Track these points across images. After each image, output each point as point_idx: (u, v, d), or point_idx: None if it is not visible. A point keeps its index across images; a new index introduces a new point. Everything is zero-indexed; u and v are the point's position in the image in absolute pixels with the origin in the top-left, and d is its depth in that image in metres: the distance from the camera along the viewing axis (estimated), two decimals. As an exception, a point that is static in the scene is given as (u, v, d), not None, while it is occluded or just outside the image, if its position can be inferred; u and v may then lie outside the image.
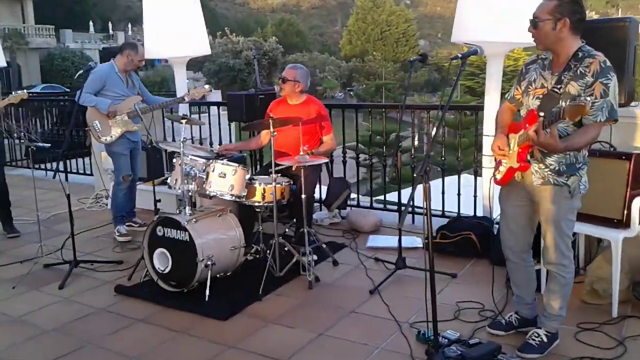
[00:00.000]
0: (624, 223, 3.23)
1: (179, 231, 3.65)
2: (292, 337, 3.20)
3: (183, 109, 5.79)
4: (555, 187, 2.73)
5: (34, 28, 35.03)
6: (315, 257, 4.14)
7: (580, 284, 3.48)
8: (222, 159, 4.14)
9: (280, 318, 3.42)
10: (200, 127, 6.09)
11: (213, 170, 3.79)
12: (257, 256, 4.06)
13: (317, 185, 5.42)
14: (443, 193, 4.98)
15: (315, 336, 3.19)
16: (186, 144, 4.21)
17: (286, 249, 3.95)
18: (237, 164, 3.86)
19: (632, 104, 3.89)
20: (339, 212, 5.28)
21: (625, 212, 3.21)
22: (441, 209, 4.96)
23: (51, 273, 4.17)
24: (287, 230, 4.66)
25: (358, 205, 5.45)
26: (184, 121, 3.84)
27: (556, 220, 2.76)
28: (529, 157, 2.76)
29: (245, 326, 3.32)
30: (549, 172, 2.72)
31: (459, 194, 4.86)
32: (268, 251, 3.92)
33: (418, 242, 4.57)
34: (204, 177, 3.79)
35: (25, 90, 4.84)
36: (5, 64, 7.11)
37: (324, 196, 5.18)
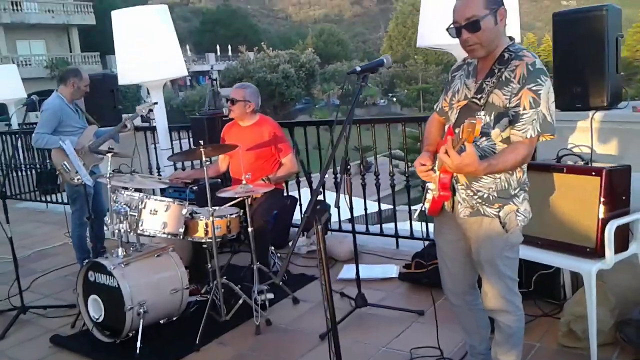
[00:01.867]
0: (597, 252, 2.69)
1: (107, 276, 3.35)
2: (212, 398, 2.82)
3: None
4: (485, 220, 2.24)
5: (80, 56, 36.12)
6: (270, 296, 3.77)
7: (557, 323, 2.96)
8: (167, 192, 3.83)
9: (208, 374, 3.05)
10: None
11: (144, 207, 3.47)
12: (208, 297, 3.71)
13: (297, 209, 5.07)
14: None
15: (238, 397, 2.81)
16: (134, 176, 3.95)
17: (233, 290, 3.58)
18: (170, 199, 3.53)
19: (621, 104, 3.33)
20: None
21: (599, 238, 2.68)
22: (421, 230, 4.47)
23: (3, 320, 3.94)
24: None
25: (339, 230, 5.02)
26: (109, 155, 3.54)
27: (490, 259, 2.27)
28: (454, 183, 2.29)
29: (167, 384, 2.97)
30: (478, 201, 2.25)
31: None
32: (211, 294, 3.56)
33: (393, 271, 4.12)
34: (136, 214, 3.47)
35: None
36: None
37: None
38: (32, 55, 34.21)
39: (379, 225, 4.92)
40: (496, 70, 2.18)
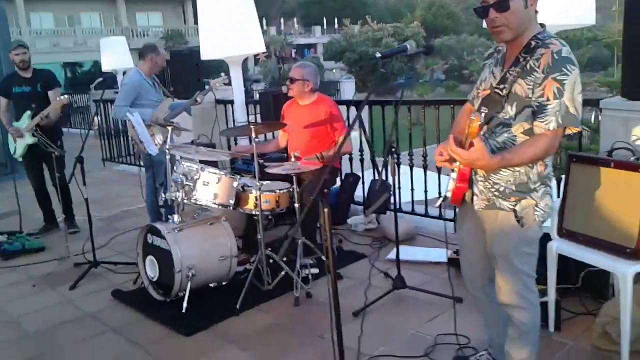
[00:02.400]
0: (637, 254, 2.52)
1: (161, 240, 3.60)
2: (237, 362, 2.99)
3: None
4: (500, 213, 2.18)
5: (194, 28, 37.76)
6: (315, 271, 3.87)
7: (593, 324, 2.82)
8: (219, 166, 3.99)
9: (241, 338, 3.22)
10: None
11: (199, 178, 3.67)
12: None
13: (360, 187, 5.10)
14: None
15: (262, 363, 2.96)
16: (199, 148, 4.18)
17: (271, 261, 3.71)
18: (223, 172, 3.69)
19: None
20: (377, 217, 4.89)
21: (639, 239, 2.50)
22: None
23: (77, 272, 4.34)
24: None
25: (400, 210, 4.99)
26: (169, 128, 3.76)
27: (504, 254, 2.21)
28: (472, 175, 2.23)
29: (202, 345, 3.18)
30: (495, 194, 2.18)
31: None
32: (255, 263, 3.71)
33: (443, 256, 4.06)
34: (192, 185, 3.68)
35: (66, 95, 5.06)
36: None
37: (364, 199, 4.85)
38: (149, 27, 36.31)
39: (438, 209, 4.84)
40: (521, 59, 2.09)
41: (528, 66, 2.06)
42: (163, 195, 3.76)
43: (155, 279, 3.70)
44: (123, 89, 4.74)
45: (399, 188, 5.09)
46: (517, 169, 2.13)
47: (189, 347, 3.18)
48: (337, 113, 4.16)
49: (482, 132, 2.15)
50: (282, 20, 51.64)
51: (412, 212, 4.91)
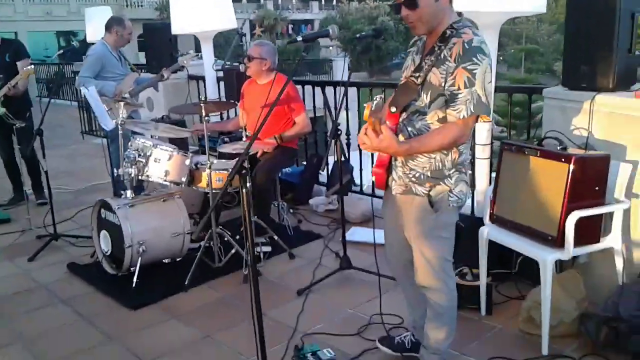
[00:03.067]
0: (557, 241, 2.59)
1: (113, 215, 3.66)
2: (177, 335, 3.08)
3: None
4: (416, 198, 2.24)
5: None
6: (267, 249, 3.95)
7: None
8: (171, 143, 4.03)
9: (186, 313, 3.30)
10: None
11: (151, 155, 3.72)
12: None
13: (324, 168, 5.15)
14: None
15: (200, 337, 3.05)
16: (159, 124, 4.22)
17: (225, 239, 3.78)
18: (173, 148, 3.74)
19: (634, 87, 3.09)
20: (338, 199, 4.95)
21: (560, 227, 2.58)
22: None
23: (38, 244, 4.40)
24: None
25: (360, 192, 5.06)
26: (121, 103, 3.79)
27: (419, 237, 2.28)
28: (393, 161, 2.29)
29: (146, 319, 3.26)
30: (411, 179, 2.24)
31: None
32: (209, 242, 3.78)
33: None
34: (144, 161, 3.72)
35: (32, 66, 5.06)
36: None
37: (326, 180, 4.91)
38: (144, -3, 35.77)
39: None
40: (436, 48, 2.13)
41: (442, 55, 2.11)
42: (116, 170, 3.80)
43: (108, 254, 3.77)
44: (87, 59, 4.75)
45: (360, 170, 5.18)
46: (432, 155, 2.19)
47: (133, 320, 3.26)
48: (294, 94, 4.19)
49: (400, 119, 2.21)
50: (279, -6, 51.20)
51: (372, 195, 4.97)
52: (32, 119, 5.34)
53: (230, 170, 3.69)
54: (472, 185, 3.90)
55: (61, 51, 4.81)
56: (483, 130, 3.59)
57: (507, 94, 3.99)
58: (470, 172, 2.34)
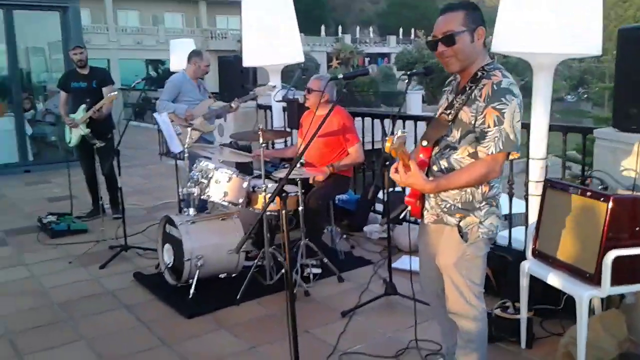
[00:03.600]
0: (594, 279, 2.61)
1: (176, 230, 3.95)
2: (225, 345, 3.28)
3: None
4: (447, 228, 2.36)
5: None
6: (317, 271, 4.12)
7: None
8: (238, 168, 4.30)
9: (235, 325, 3.51)
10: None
11: (212, 177, 4.00)
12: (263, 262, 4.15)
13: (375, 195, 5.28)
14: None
15: (246, 349, 3.24)
16: (224, 149, 4.53)
17: (278, 259, 3.98)
18: (232, 172, 4.00)
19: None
20: (392, 227, 5.06)
21: (597, 265, 2.60)
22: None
23: (110, 253, 4.77)
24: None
25: (413, 222, 5.13)
26: (188, 128, 4.11)
27: (449, 265, 2.38)
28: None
29: (199, 328, 3.49)
30: (443, 210, 2.36)
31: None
32: (262, 260, 4.00)
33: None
34: (206, 182, 4.01)
35: (115, 92, 5.55)
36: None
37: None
38: (228, 30, 37.53)
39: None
40: (467, 88, 2.27)
41: (473, 95, 2.24)
42: (181, 190, 4.10)
43: (170, 265, 4.06)
44: (166, 86, 5.18)
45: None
46: (464, 188, 2.30)
47: (187, 328, 3.50)
48: (350, 125, 4.39)
49: (433, 153, 2.35)
50: (358, 28, 52.05)
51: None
52: (113, 139, 5.83)
53: (273, 193, 3.94)
54: (526, 220, 3.94)
55: (139, 80, 5.24)
56: (537, 168, 3.64)
57: (562, 132, 4.00)
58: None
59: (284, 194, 2.33)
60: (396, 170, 2.20)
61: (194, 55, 5.29)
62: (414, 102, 25.21)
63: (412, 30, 50.85)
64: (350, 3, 74.28)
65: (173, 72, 7.38)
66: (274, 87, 5.42)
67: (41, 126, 9.94)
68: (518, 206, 4.36)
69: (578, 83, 46.86)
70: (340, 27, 50.94)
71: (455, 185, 2.25)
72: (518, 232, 4.23)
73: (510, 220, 4.18)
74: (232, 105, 5.07)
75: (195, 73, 5.25)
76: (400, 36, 50.92)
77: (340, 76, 2.50)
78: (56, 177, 8.23)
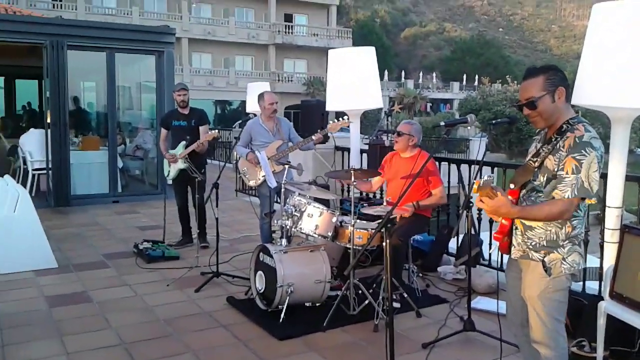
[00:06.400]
0: (671, 320, 2.80)
1: (270, 258, 4.34)
2: (314, 366, 3.60)
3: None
4: (532, 263, 2.63)
5: (334, 77, 39.98)
6: (397, 305, 4.39)
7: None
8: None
9: (323, 349, 3.82)
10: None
11: (305, 211, 4.39)
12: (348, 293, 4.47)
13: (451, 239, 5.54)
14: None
15: (332, 371, 3.54)
16: (311, 186, 4.94)
17: (360, 291, 4.29)
18: (323, 207, 4.38)
19: None
20: (465, 269, 5.29)
21: (674, 307, 2.79)
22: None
23: (202, 279, 5.22)
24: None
25: (488, 265, 5.36)
26: (286, 166, 4.54)
27: (533, 297, 2.65)
28: (513, 229, 2.71)
29: (290, 349, 3.82)
30: (529, 246, 2.64)
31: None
32: (346, 291, 4.32)
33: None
34: (299, 215, 4.41)
35: (216, 130, 6.08)
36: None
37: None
38: (294, 73, 38.90)
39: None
40: (553, 139, 2.58)
41: (557, 145, 2.55)
42: (275, 222, 4.51)
43: (261, 291, 4.44)
44: (240, 131, 5.66)
45: (490, 244, 5.48)
46: (549, 228, 2.58)
47: (279, 348, 3.84)
48: (433, 168, 4.72)
49: (520, 195, 2.65)
50: (421, 74, 52.75)
51: (499, 269, 5.24)
52: (206, 173, 6.36)
53: (372, 228, 4.29)
54: (601, 264, 4.12)
55: (240, 121, 5.77)
56: (612, 216, 3.83)
57: (638, 183, 4.19)
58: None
59: (388, 226, 2.67)
60: (481, 201, 2.50)
61: (259, 98, 5.70)
62: (476, 149, 25.24)
63: (476, 76, 51.07)
64: (413, 49, 75.24)
65: (248, 113, 8.00)
66: (345, 117, 5.72)
67: (130, 160, 10.78)
68: (590, 261, 4.54)
69: (650, 133, 45.26)
70: (403, 72, 51.81)
71: (538, 214, 2.53)
72: (591, 283, 4.43)
73: (584, 268, 4.35)
74: (313, 137, 5.42)
75: (264, 114, 5.64)
76: (464, 82, 51.13)
77: (442, 123, 2.84)
78: (143, 208, 8.92)
